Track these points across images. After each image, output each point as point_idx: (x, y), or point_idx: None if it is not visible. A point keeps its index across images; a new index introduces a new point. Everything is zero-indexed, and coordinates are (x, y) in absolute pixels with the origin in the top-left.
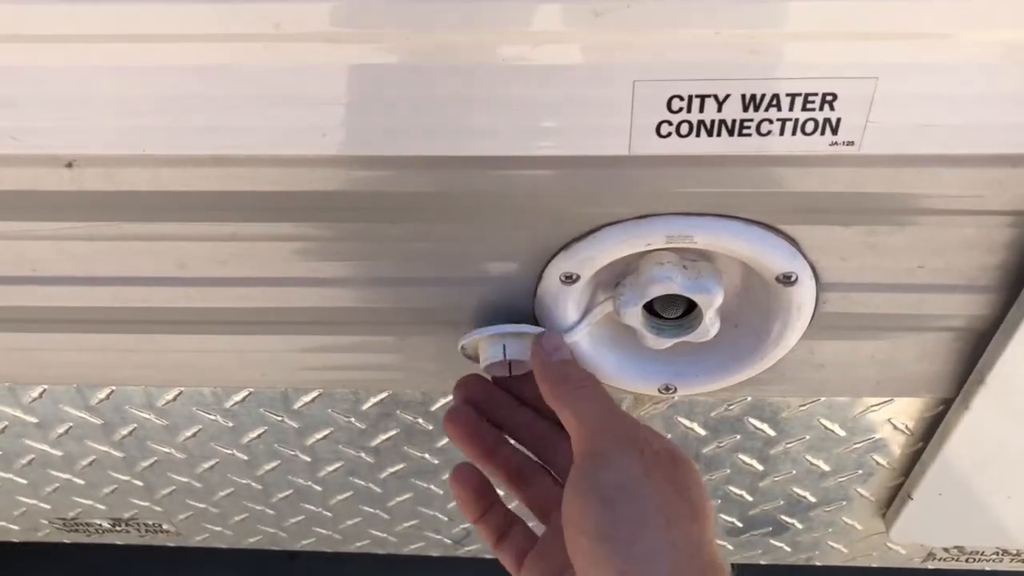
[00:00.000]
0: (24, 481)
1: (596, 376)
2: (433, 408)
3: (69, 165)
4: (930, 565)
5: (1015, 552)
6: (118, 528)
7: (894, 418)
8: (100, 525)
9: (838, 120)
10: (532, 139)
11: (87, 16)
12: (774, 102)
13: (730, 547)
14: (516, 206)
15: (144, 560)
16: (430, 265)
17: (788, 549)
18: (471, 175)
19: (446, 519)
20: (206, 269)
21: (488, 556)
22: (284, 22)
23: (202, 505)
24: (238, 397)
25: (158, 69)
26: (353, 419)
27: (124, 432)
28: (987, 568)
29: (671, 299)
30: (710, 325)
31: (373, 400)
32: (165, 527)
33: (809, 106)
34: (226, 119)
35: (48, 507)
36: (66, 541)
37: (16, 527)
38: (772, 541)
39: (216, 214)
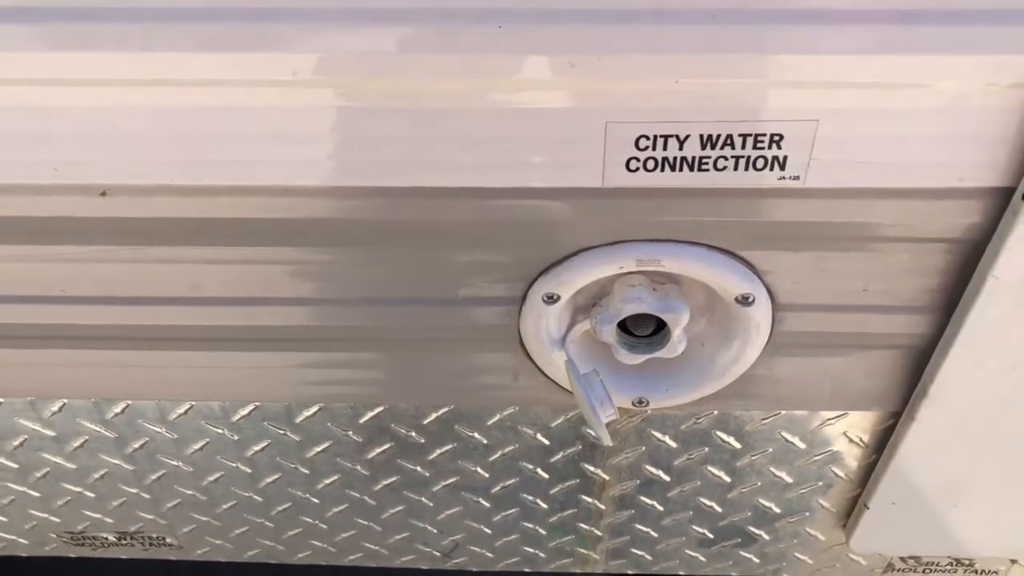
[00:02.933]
0: (37, 494)
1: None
2: (425, 422)
3: (103, 194)
4: None
5: (968, 562)
6: (123, 542)
7: (849, 431)
8: (106, 539)
9: (785, 157)
10: (517, 173)
11: (122, 63)
12: (728, 141)
13: (702, 559)
14: (502, 233)
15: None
16: (424, 287)
17: (757, 561)
18: (462, 204)
19: (435, 531)
20: (219, 290)
21: (474, 569)
22: (300, 70)
23: (205, 518)
24: (244, 411)
25: (180, 110)
26: (350, 432)
27: (136, 445)
28: None
29: (643, 319)
30: (678, 342)
31: (370, 414)
32: (169, 540)
33: (759, 145)
34: (240, 154)
35: (58, 520)
36: (72, 556)
37: (25, 541)
38: (742, 553)
39: (229, 239)
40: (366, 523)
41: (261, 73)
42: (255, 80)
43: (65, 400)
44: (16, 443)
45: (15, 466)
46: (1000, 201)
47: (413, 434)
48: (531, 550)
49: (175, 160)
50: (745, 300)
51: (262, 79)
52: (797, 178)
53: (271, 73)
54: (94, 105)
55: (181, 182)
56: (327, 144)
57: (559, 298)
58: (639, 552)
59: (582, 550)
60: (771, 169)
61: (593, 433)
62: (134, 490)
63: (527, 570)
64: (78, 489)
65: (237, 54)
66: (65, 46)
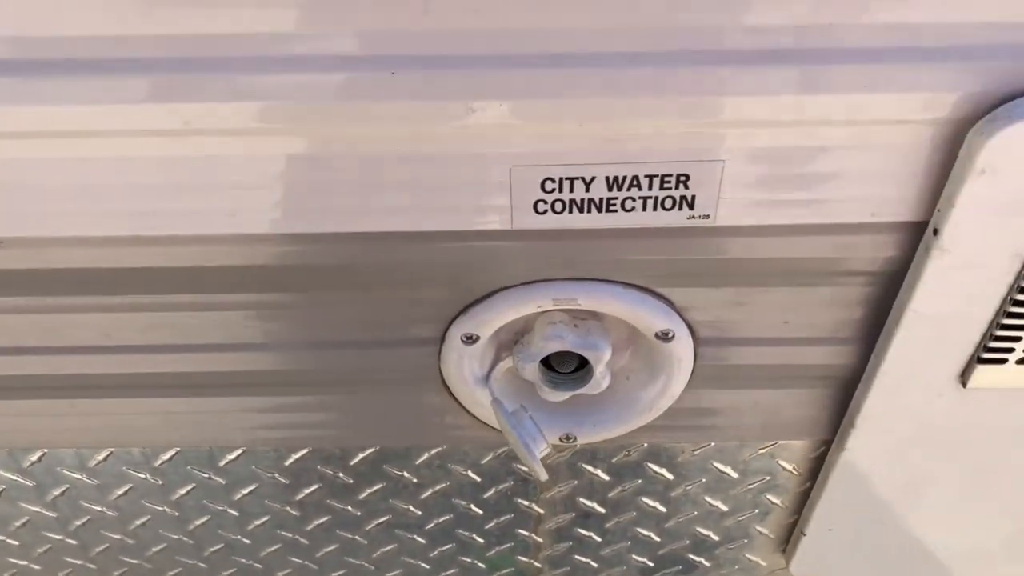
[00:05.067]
0: None
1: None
2: (352, 462)
3: None
4: None
5: None
6: None
7: (781, 460)
8: None
9: (693, 197)
10: (427, 216)
11: (10, 115)
12: (635, 182)
13: None
14: (417, 275)
15: None
16: (344, 329)
17: None
18: (374, 248)
19: (372, 568)
20: (129, 338)
21: None
22: (192, 119)
23: (136, 561)
24: (166, 456)
25: (76, 160)
26: (276, 474)
27: (56, 492)
28: None
29: (565, 355)
30: (601, 378)
31: (295, 456)
32: None
33: (666, 185)
34: (144, 204)
35: None
36: None
37: None
38: None
39: (136, 287)
40: (301, 562)
41: (152, 123)
42: (146, 130)
43: None
44: None
45: None
46: (914, 235)
47: (341, 475)
48: None
49: (73, 211)
50: (665, 336)
51: (153, 129)
52: (707, 216)
53: (162, 123)
54: None
55: (82, 233)
56: (227, 192)
57: (478, 338)
58: None
59: None
60: (680, 208)
61: (527, 469)
62: (59, 536)
63: None
64: (1, 537)
65: (126, 105)
66: None
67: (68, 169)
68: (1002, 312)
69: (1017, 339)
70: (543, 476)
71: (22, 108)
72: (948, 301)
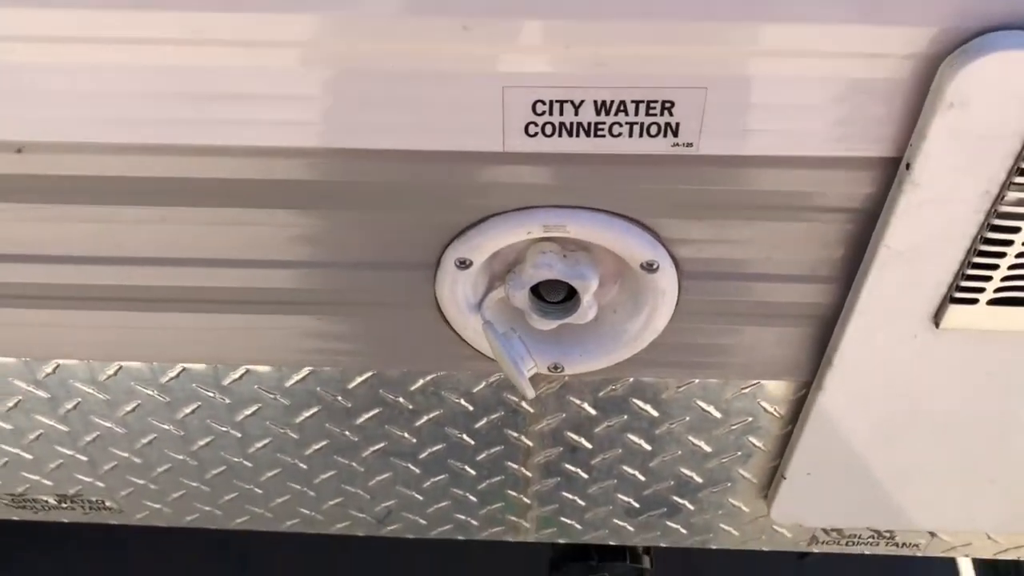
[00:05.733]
0: None
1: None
2: (350, 386)
3: (19, 151)
4: (815, 548)
5: (888, 534)
6: (64, 505)
7: (764, 401)
8: (47, 502)
9: (677, 124)
10: (424, 136)
11: (44, 19)
12: (622, 108)
13: (631, 528)
14: (413, 197)
15: None
16: (343, 249)
17: (684, 531)
18: (375, 167)
19: (368, 497)
20: (135, 249)
21: (410, 536)
22: (203, 28)
23: (142, 481)
24: (172, 372)
25: (99, 67)
26: (278, 395)
27: (69, 406)
28: (867, 552)
29: (555, 285)
30: (588, 308)
31: (296, 377)
32: (108, 504)
33: (651, 112)
34: (153, 113)
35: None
36: (14, 519)
37: None
38: (668, 523)
39: (142, 199)
40: (300, 488)
41: (163, 32)
42: (158, 38)
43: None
44: None
45: None
46: (889, 171)
47: (340, 398)
48: (463, 517)
49: (88, 118)
50: (650, 267)
51: (165, 37)
52: (691, 145)
53: (174, 32)
54: (14, 62)
55: (97, 140)
56: (242, 103)
57: (472, 263)
58: (568, 521)
59: (512, 518)
60: (664, 136)
61: (516, 389)
62: (70, 452)
63: (460, 538)
64: (15, 450)
65: (138, 12)
66: None
67: (83, 75)
68: (973, 251)
69: (987, 279)
70: (530, 393)
71: (40, 11)
72: (920, 238)
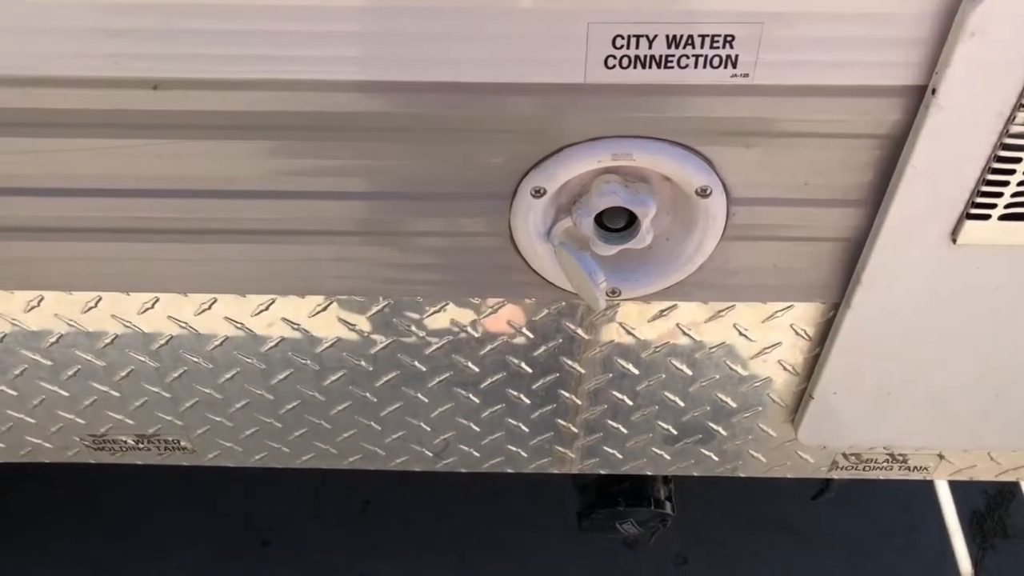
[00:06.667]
0: (66, 394)
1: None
2: (424, 316)
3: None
4: (834, 474)
5: (902, 458)
6: (141, 445)
7: (795, 323)
8: (125, 442)
9: (736, 56)
10: (512, 68)
11: None
12: (689, 41)
13: (667, 457)
14: (499, 129)
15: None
16: (424, 182)
17: (716, 459)
18: (459, 99)
19: (429, 429)
20: (232, 183)
21: (464, 470)
22: None
23: (219, 418)
24: (262, 303)
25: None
26: (358, 325)
27: (161, 342)
28: (881, 476)
29: (616, 214)
30: (646, 233)
31: (375, 308)
32: (183, 444)
33: (715, 45)
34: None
35: (83, 422)
36: (91, 461)
37: (49, 445)
38: (702, 450)
39: (256, 133)
40: (366, 422)
41: None
42: None
43: (100, 294)
44: (52, 341)
45: (49, 363)
46: (917, 98)
47: (412, 328)
48: (514, 448)
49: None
50: (703, 192)
51: None
52: (747, 75)
53: None
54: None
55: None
56: (343, 39)
57: (545, 192)
58: (610, 451)
59: (560, 448)
60: (725, 67)
61: (589, 301)
62: (156, 389)
63: (509, 471)
64: (104, 388)
65: None
66: None
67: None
68: (987, 168)
69: (999, 195)
70: (602, 304)
71: None
72: (942, 157)
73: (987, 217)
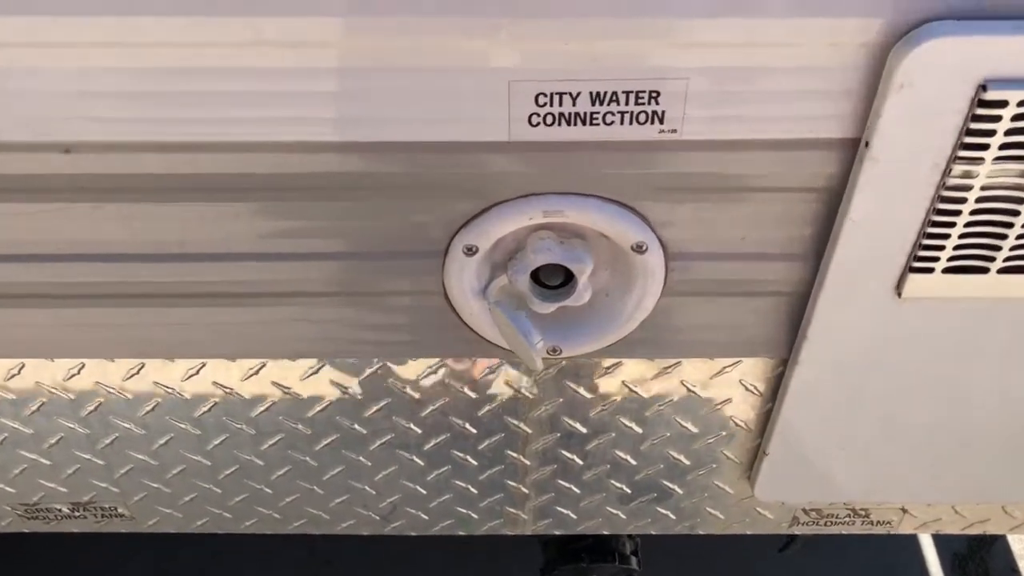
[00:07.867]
0: None
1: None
2: (362, 377)
3: (67, 151)
4: (796, 530)
5: (863, 512)
6: (76, 514)
7: (744, 379)
8: (60, 510)
9: (663, 112)
10: (435, 127)
11: (90, 27)
12: (614, 98)
13: (623, 516)
14: (426, 187)
15: None
16: (352, 241)
17: (673, 517)
18: (390, 159)
19: (374, 493)
20: (159, 247)
21: (413, 534)
22: (264, 30)
23: (156, 484)
24: (191, 368)
25: (141, 70)
26: (293, 388)
27: (90, 408)
28: (843, 532)
29: (553, 271)
30: (583, 290)
31: (309, 369)
32: (120, 511)
33: (640, 101)
34: (178, 112)
35: (13, 491)
36: (25, 531)
37: None
38: (659, 509)
39: (171, 195)
40: (308, 486)
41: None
42: (155, 42)
43: (23, 361)
44: None
45: None
46: (851, 151)
47: (350, 390)
48: (464, 510)
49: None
50: (639, 248)
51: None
52: (675, 131)
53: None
54: (60, 66)
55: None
56: (255, 101)
57: (478, 250)
58: (564, 511)
59: (511, 509)
60: (652, 123)
61: (526, 362)
62: (88, 456)
63: (461, 533)
64: (33, 456)
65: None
66: (32, 9)
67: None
68: (927, 221)
69: (941, 248)
70: (539, 365)
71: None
72: (881, 210)
73: (931, 271)
